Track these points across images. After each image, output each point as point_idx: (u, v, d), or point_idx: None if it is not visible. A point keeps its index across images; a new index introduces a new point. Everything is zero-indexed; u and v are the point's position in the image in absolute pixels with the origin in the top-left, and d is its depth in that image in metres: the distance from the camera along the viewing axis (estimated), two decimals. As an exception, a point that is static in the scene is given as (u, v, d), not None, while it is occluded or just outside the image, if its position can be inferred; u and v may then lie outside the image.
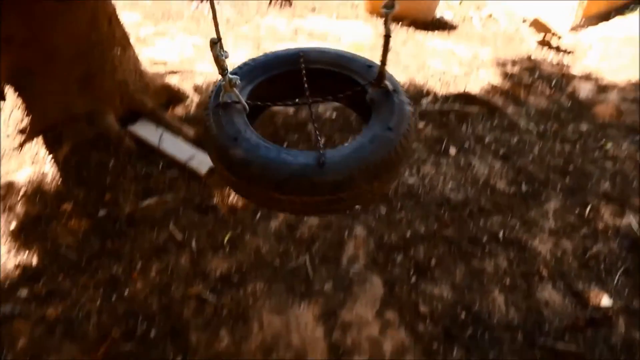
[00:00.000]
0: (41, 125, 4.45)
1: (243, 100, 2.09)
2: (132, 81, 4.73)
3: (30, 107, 4.38)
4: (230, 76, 2.00)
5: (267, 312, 3.24)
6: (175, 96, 5.13)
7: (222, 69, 1.96)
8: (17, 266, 3.49)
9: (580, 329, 3.26)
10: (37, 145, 4.41)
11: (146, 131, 4.54)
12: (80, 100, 4.45)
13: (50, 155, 4.31)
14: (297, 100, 2.27)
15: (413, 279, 3.47)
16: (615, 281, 3.60)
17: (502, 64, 6.67)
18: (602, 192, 4.40)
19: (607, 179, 4.57)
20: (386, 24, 1.94)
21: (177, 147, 4.39)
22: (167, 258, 3.54)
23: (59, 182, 4.11)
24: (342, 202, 1.97)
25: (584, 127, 5.37)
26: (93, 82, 4.44)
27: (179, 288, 3.33)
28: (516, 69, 6.58)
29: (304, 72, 2.26)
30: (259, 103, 2.20)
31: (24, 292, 3.31)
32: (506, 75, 6.35)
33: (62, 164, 4.24)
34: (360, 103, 2.21)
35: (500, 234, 3.87)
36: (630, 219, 4.11)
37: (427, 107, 5.34)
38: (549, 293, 3.48)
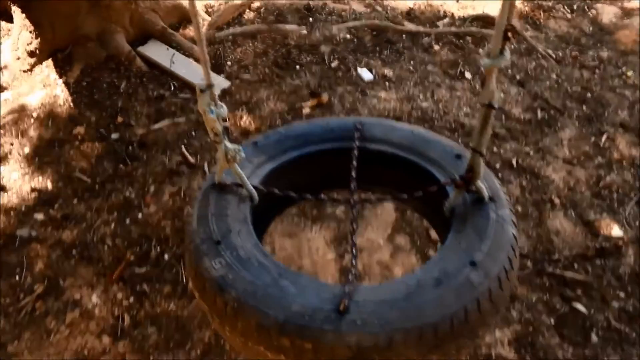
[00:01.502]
0: (51, 46, 4.41)
1: (248, 183, 1.50)
2: (142, 0, 4.63)
3: (38, 28, 4.31)
4: (229, 145, 1.40)
5: (278, 236, 3.27)
6: (186, 16, 5.02)
7: (216, 134, 1.37)
8: (32, 190, 3.53)
9: (590, 258, 3.28)
10: (48, 68, 4.37)
11: (157, 52, 4.47)
12: (90, 20, 4.39)
13: (61, 78, 4.28)
14: (335, 195, 1.66)
15: (424, 206, 3.48)
16: (627, 212, 3.59)
17: (522, -15, 6.42)
18: (619, 121, 4.32)
19: (625, 108, 4.47)
20: (488, 84, 1.21)
21: (189, 69, 4.33)
22: (179, 181, 3.56)
23: (71, 105, 4.10)
24: None
25: (604, 53, 5.21)
26: (102, 0, 4.34)
27: (192, 211, 3.37)
28: (536, -9, 6.34)
29: (355, 152, 1.59)
30: (276, 191, 1.53)
31: (39, 216, 3.36)
32: (525, -3, 6.13)
33: (73, 87, 4.22)
34: (435, 210, 1.51)
35: (514, 161, 3.83)
36: (646, 149, 4.06)
37: (443, 29, 5.20)
38: (560, 222, 3.48)
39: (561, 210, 3.56)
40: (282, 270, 1.28)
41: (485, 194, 1.42)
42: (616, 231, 3.46)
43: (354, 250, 1.36)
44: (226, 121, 1.14)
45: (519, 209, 3.51)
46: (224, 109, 1.35)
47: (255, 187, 1.51)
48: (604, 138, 4.14)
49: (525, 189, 3.65)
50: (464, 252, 1.31)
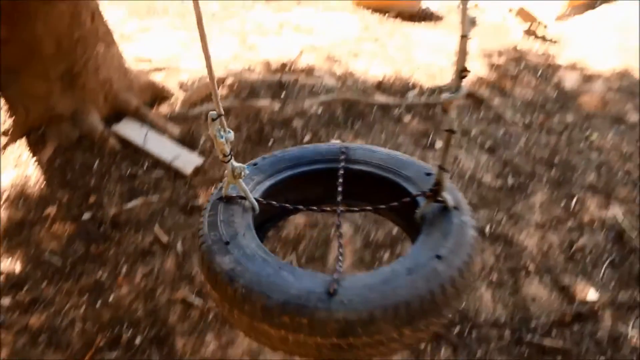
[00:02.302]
0: (24, 126, 4.41)
1: (251, 196, 1.72)
2: (116, 79, 4.69)
3: (13, 107, 4.34)
4: (235, 164, 1.61)
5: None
6: (160, 94, 5.09)
7: (224, 154, 1.57)
8: (-1, 273, 3.47)
9: (567, 324, 3.28)
10: (21, 147, 4.36)
11: (131, 130, 4.50)
12: (64, 100, 4.41)
13: (34, 157, 4.27)
14: (323, 207, 1.82)
15: (400, 277, 3.47)
16: (601, 274, 3.62)
17: (489, 55, 6.65)
18: (587, 183, 4.41)
19: (593, 170, 4.58)
20: (447, 114, 1.49)
21: (162, 147, 4.35)
22: (152, 261, 3.52)
23: (43, 185, 4.08)
24: (354, 350, 1.44)
25: (569, 117, 5.38)
26: (76, 80, 4.40)
27: (165, 292, 3.32)
28: (502, 60, 6.57)
29: (341, 172, 1.88)
30: (274, 203, 1.77)
31: (6, 301, 3.28)
32: (492, 66, 6.34)
33: (46, 166, 4.20)
34: (408, 218, 1.76)
35: (487, 229, 3.87)
36: (615, 211, 4.12)
37: (413, 100, 5.32)
38: (535, 288, 3.49)
39: (536, 276, 3.57)
40: (281, 264, 1.51)
41: (450, 203, 1.65)
42: (591, 295, 3.47)
43: (340, 250, 1.63)
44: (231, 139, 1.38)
45: (494, 277, 3.51)
46: (231, 134, 1.56)
47: (256, 200, 1.75)
48: (574, 201, 4.21)
49: (499, 256, 3.67)
50: (431, 249, 1.54)
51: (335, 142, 1.82)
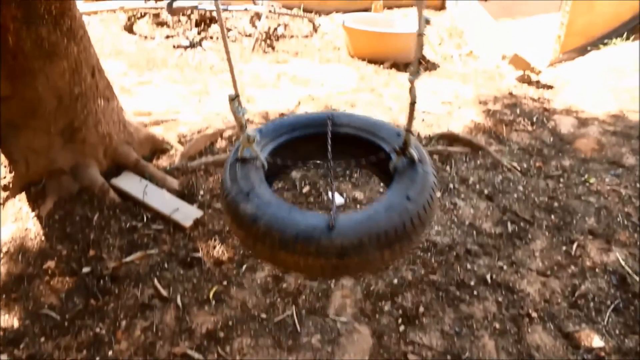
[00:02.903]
0: (25, 180, 4.43)
1: (262, 157, 2.16)
2: (116, 133, 4.73)
3: (13, 162, 4.37)
4: (249, 132, 2.05)
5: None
6: (159, 147, 5.14)
7: (240, 125, 2.01)
8: (-3, 329, 3.42)
9: (572, 373, 3.23)
10: (21, 201, 4.37)
11: (130, 184, 4.52)
12: (64, 154, 4.44)
13: (34, 211, 4.28)
14: (317, 162, 2.32)
15: (402, 328, 3.43)
16: (606, 320, 3.58)
17: (484, 102, 6.75)
18: (587, 228, 4.41)
19: (592, 214, 4.59)
20: (412, 91, 1.97)
21: (162, 200, 4.37)
22: (152, 315, 3.48)
23: (43, 239, 4.07)
24: (348, 268, 1.92)
25: (566, 162, 5.42)
26: (77, 135, 4.44)
27: (165, 347, 3.27)
28: (498, 106, 6.66)
29: (329, 134, 2.31)
30: (278, 161, 2.22)
31: (3, 357, 3.23)
32: (488, 113, 6.42)
33: (45, 220, 4.20)
34: (384, 170, 2.22)
35: (488, 277, 3.85)
36: (616, 255, 4.11)
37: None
38: (539, 336, 3.44)
39: (539, 323, 3.53)
40: (292, 208, 1.95)
41: (416, 157, 2.11)
42: (597, 342, 3.43)
43: (331, 194, 2.17)
44: (246, 115, 2.00)
45: (497, 326, 3.48)
46: (245, 110, 1.98)
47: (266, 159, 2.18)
48: (574, 246, 4.20)
49: (501, 304, 3.63)
50: (402, 192, 2.00)
51: (323, 112, 2.42)
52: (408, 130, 2.04)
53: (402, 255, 2.11)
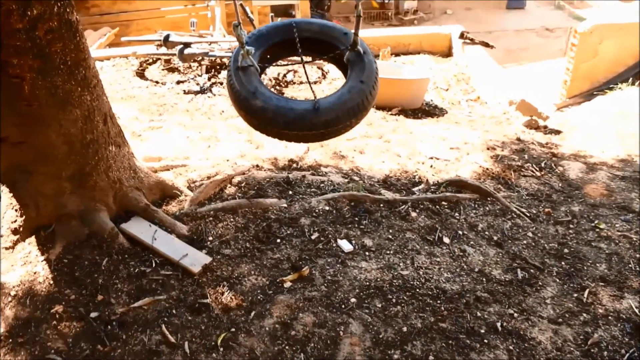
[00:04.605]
0: (34, 224, 4.46)
1: (256, 64, 2.80)
2: (126, 178, 4.77)
3: (23, 206, 4.40)
4: (248, 47, 2.74)
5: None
6: (169, 192, 5.17)
7: (241, 43, 2.69)
8: (3, 375, 3.40)
9: None
10: (30, 245, 4.39)
11: (140, 229, 4.54)
12: (74, 199, 4.47)
13: (43, 255, 4.29)
14: (292, 59, 3.49)
15: (412, 378, 3.39)
16: (620, 370, 3.52)
17: (492, 147, 6.79)
18: (599, 274, 4.37)
19: (603, 260, 4.55)
20: (357, 7, 2.82)
21: (171, 245, 4.38)
22: (159, 362, 3.45)
23: (51, 283, 4.07)
24: (331, 133, 2.87)
25: (575, 208, 5.40)
26: (87, 180, 4.48)
27: (172, 395, 3.24)
28: (506, 152, 6.70)
29: (297, 39, 3.03)
30: (266, 65, 3.13)
31: (9, 405, 3.21)
32: (496, 159, 6.45)
33: (54, 264, 4.21)
34: (340, 62, 3.01)
35: (499, 325, 3.80)
36: (629, 302, 4.06)
37: (419, 195, 5.37)
38: (552, 386, 3.38)
39: (552, 374, 3.47)
40: (288, 99, 2.58)
41: (362, 50, 2.83)
42: (611, 392, 3.36)
43: (310, 84, 3.19)
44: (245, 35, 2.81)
45: (509, 375, 3.42)
46: (245, 32, 2.61)
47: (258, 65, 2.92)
48: (586, 293, 4.15)
49: (512, 352, 3.58)
50: (357, 78, 2.72)
51: (288, 21, 3.24)
52: (356, 33, 2.80)
53: (361, 120, 2.99)
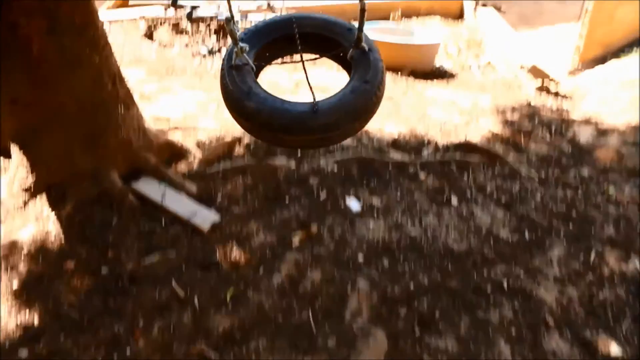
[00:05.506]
0: (45, 183, 4.49)
1: (251, 62, 2.59)
2: (136, 139, 4.79)
3: (34, 165, 4.43)
4: (242, 45, 2.52)
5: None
6: (178, 152, 5.18)
7: (235, 40, 2.47)
8: (18, 326, 3.48)
9: (590, 380, 3.20)
10: (41, 203, 4.44)
11: (149, 188, 4.57)
12: (84, 159, 4.50)
13: (54, 213, 4.34)
14: (292, 58, 2.81)
15: (417, 332, 3.43)
16: (624, 329, 3.55)
17: (502, 112, 6.72)
18: (606, 237, 4.38)
19: (611, 223, 4.55)
20: (361, 1, 2.52)
21: (180, 204, 4.41)
22: (169, 316, 3.52)
23: (62, 240, 4.13)
24: (331, 139, 2.56)
25: (585, 172, 5.38)
26: (97, 140, 4.50)
27: (182, 347, 3.30)
28: (516, 116, 6.63)
29: (297, 35, 2.74)
30: (263, 64, 2.76)
31: (24, 353, 3.28)
32: (506, 123, 6.39)
33: (65, 222, 4.26)
34: (343, 60, 2.70)
35: (505, 284, 3.83)
36: (635, 264, 4.07)
37: (428, 157, 5.36)
38: (556, 343, 3.42)
39: (556, 331, 3.51)
40: (284, 101, 2.37)
41: (367, 48, 2.52)
42: (615, 349, 3.41)
43: (311, 87, 2.51)
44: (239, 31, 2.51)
45: (513, 332, 3.46)
46: (238, 27, 2.39)
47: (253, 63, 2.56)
48: (592, 255, 4.17)
49: (518, 311, 3.62)
50: (361, 77, 2.45)
51: (287, 15, 2.82)
52: (360, 29, 2.52)
53: (366, 124, 2.63)
